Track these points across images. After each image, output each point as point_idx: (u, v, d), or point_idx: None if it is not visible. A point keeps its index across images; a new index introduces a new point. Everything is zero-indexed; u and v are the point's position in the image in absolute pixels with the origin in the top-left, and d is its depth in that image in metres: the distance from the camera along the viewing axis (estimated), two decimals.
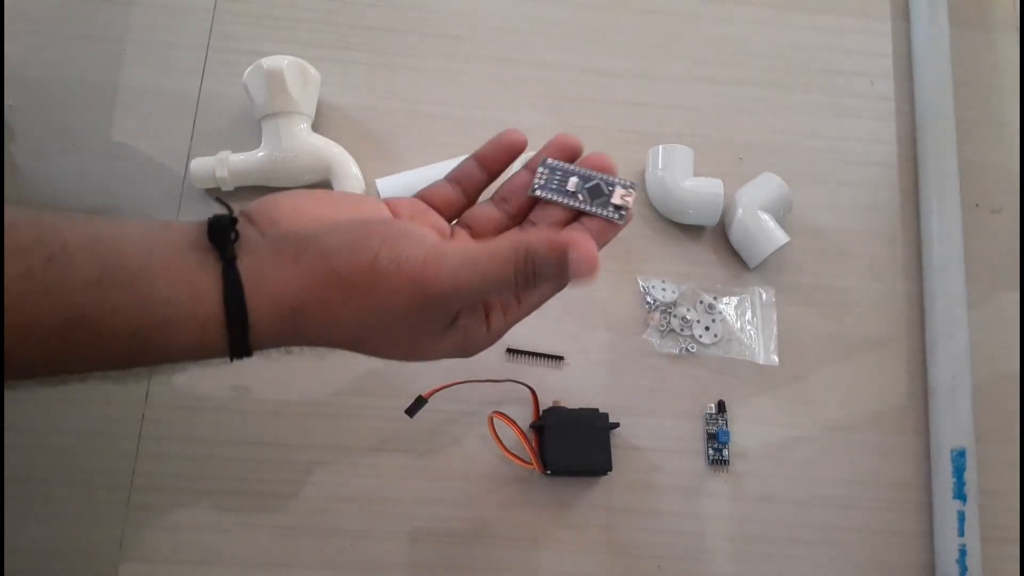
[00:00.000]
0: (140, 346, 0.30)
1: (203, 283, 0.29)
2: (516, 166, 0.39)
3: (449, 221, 0.37)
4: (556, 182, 0.36)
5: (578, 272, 0.30)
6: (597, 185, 0.35)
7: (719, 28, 0.68)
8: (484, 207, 0.38)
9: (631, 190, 0.35)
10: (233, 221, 0.31)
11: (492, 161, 0.37)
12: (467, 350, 0.35)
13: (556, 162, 0.37)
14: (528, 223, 0.37)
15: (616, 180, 0.36)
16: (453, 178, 0.38)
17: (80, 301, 0.28)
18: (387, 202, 0.36)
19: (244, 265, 0.30)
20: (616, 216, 0.35)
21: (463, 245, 0.32)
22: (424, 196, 0.37)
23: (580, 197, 0.35)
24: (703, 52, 0.67)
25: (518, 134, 0.37)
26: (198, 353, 0.31)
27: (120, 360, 0.30)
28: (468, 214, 0.38)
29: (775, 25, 0.69)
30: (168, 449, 0.53)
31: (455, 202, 0.37)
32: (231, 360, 0.31)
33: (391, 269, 0.30)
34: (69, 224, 0.29)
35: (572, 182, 0.36)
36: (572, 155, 0.37)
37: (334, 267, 0.30)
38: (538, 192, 0.36)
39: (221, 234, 0.30)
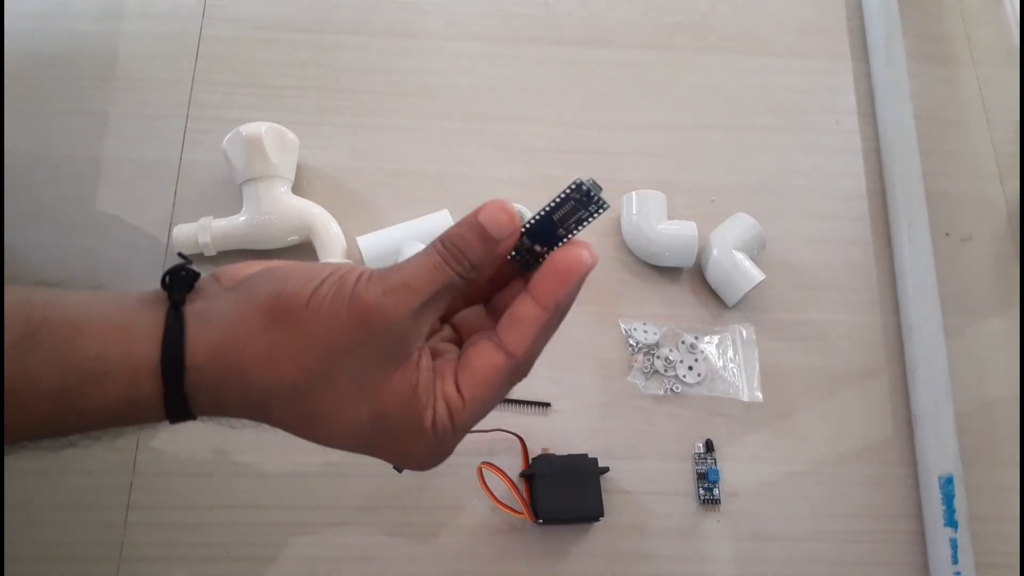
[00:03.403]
0: (64, 407, 0.28)
1: (141, 328, 0.28)
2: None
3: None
4: (525, 255, 0.32)
5: (495, 224, 0.29)
6: (551, 232, 0.31)
7: (685, 75, 0.70)
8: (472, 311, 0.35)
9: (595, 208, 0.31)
10: (194, 273, 0.30)
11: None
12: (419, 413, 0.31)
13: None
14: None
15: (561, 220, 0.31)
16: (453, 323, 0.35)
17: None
18: None
19: (194, 308, 0.29)
20: (596, 210, 0.31)
21: (396, 268, 0.30)
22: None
23: (560, 232, 0.31)
24: (670, 99, 0.69)
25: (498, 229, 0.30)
26: (130, 411, 0.29)
27: (44, 424, 0.28)
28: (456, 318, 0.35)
29: (739, 70, 0.71)
30: (156, 517, 0.53)
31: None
32: (170, 421, 0.29)
33: (331, 295, 0.28)
34: (9, 288, 0.28)
35: (536, 248, 0.32)
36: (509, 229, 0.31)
37: (276, 291, 0.29)
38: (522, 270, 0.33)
39: (175, 278, 0.29)
